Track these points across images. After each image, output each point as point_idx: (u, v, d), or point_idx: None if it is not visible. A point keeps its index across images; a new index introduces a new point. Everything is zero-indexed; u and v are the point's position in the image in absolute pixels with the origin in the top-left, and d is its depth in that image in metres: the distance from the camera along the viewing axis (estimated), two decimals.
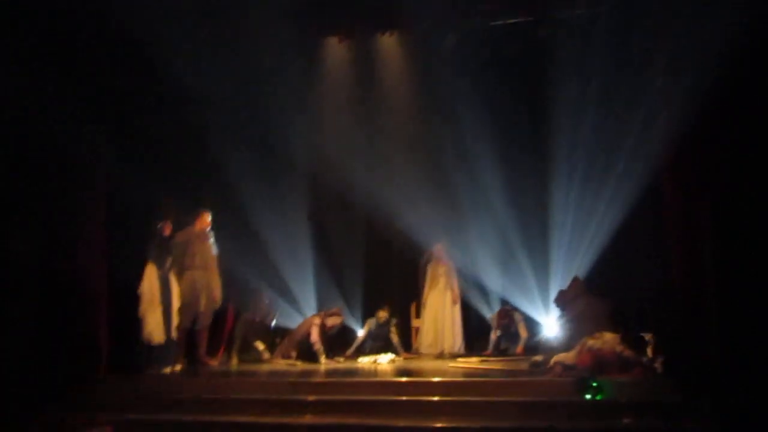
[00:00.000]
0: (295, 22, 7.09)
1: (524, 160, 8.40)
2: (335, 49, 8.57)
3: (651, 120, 5.98)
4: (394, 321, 8.11)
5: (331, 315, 7.76)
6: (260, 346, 7.76)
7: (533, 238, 8.33)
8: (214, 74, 7.61)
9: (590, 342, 5.64)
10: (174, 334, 6.90)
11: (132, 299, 6.63)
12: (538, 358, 6.31)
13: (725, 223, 4.88)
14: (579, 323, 6.41)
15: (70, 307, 6.37)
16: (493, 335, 7.98)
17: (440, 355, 7.94)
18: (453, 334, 8.17)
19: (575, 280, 7.13)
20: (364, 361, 7.44)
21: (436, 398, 5.22)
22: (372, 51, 8.62)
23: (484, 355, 7.64)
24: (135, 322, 6.62)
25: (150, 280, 6.70)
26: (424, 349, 8.19)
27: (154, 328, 6.59)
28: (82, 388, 6.05)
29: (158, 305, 6.66)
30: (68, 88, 6.31)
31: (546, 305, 8.14)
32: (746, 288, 4.66)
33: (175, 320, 6.91)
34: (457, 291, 8.29)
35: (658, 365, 5.39)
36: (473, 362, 6.98)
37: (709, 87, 4.96)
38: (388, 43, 8.44)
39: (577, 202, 7.88)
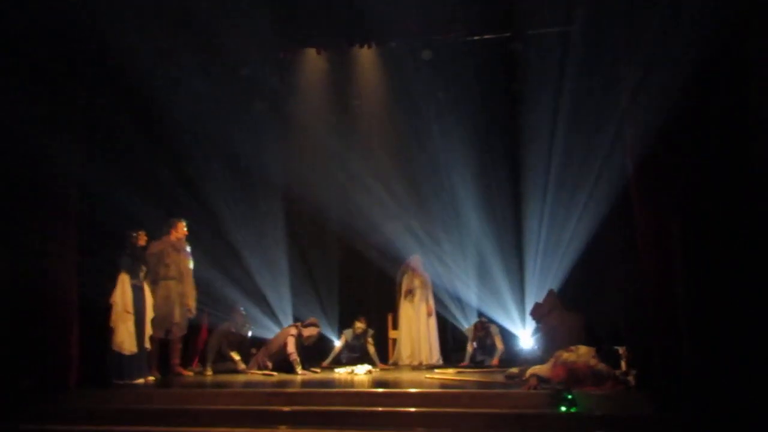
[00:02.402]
0: (272, 34, 7.10)
1: (498, 174, 8.52)
2: (313, 61, 8.59)
3: (620, 135, 6.08)
4: (370, 332, 8.09)
5: (308, 326, 7.71)
6: (235, 356, 7.69)
7: (508, 252, 8.41)
8: (188, 87, 7.62)
9: (565, 355, 5.69)
10: (147, 344, 6.82)
11: (104, 310, 6.53)
12: (514, 370, 6.36)
13: (695, 237, 4.96)
14: (554, 336, 6.49)
15: (40, 317, 6.30)
16: (470, 347, 7.99)
17: (417, 367, 7.95)
18: (429, 346, 8.19)
19: (550, 293, 7.21)
20: (341, 372, 7.42)
21: (412, 409, 5.22)
22: (349, 63, 8.66)
23: (461, 367, 7.66)
24: (107, 333, 6.52)
25: (122, 289, 6.61)
26: (402, 361, 8.19)
27: (125, 338, 6.49)
28: (52, 400, 5.96)
29: (130, 315, 6.56)
30: (41, 103, 6.28)
31: (522, 318, 8.21)
32: (718, 301, 4.74)
33: (148, 330, 6.83)
34: (432, 303, 8.33)
35: (631, 378, 5.45)
36: (449, 374, 7.00)
37: (676, 103, 5.09)
38: (366, 55, 8.49)
39: (551, 216, 7.96)
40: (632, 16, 5.80)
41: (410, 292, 8.35)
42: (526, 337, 8.12)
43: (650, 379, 5.28)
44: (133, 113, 7.41)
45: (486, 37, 7.36)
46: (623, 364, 5.72)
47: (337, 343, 8.26)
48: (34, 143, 6.24)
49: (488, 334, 7.95)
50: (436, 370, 7.35)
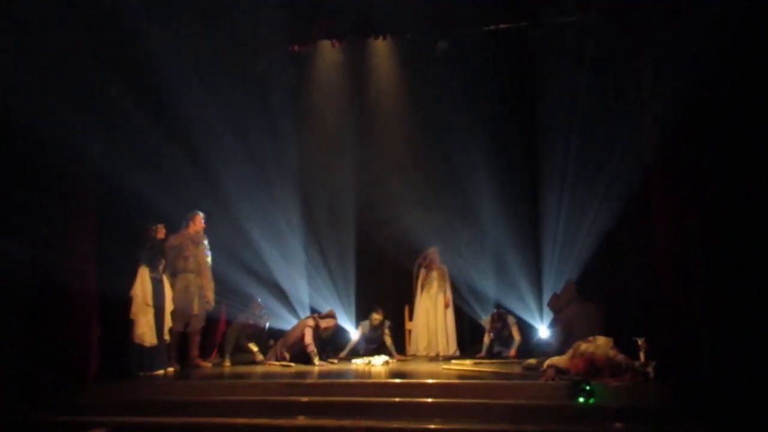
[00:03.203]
0: (286, 27, 7.10)
1: (516, 165, 8.48)
2: (328, 54, 8.58)
3: (639, 125, 6.03)
4: (387, 323, 8.11)
5: (325, 317, 7.75)
6: (253, 348, 7.75)
7: (526, 243, 8.37)
8: (205, 81, 7.65)
9: (583, 346, 5.67)
10: (167, 336, 6.90)
11: (123, 303, 6.60)
12: (532, 361, 6.34)
13: (714, 228, 4.92)
14: (572, 327, 6.47)
15: (61, 310, 6.37)
16: (487, 338, 7.97)
17: (434, 358, 7.95)
18: (446, 337, 8.17)
19: (568, 284, 7.19)
20: (358, 363, 7.43)
21: (429, 400, 5.24)
22: (364, 55, 8.64)
23: (478, 358, 7.65)
24: (127, 326, 6.60)
25: (142, 282, 6.68)
26: (419, 352, 8.20)
27: (146, 330, 6.57)
28: (73, 392, 6.05)
29: (150, 307, 6.64)
30: (60, 93, 6.33)
31: (539, 309, 8.19)
32: (736, 292, 4.70)
33: (168, 323, 6.91)
34: (449, 295, 8.31)
35: (650, 370, 5.41)
36: (467, 365, 6.99)
37: (696, 93, 5.03)
38: (381, 47, 8.46)
39: (569, 207, 7.92)
40: (651, 4, 5.73)
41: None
42: (543, 328, 8.11)
43: (669, 371, 5.24)
44: (151, 107, 7.44)
45: (502, 27, 7.29)
46: (642, 355, 5.69)
47: (354, 335, 8.30)
48: (54, 135, 6.30)
49: (505, 325, 7.92)
50: (453, 361, 7.35)
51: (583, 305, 6.73)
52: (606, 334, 5.95)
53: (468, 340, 8.56)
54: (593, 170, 7.33)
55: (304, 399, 5.41)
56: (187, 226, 7.36)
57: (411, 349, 8.37)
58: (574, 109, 7.53)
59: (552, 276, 8.07)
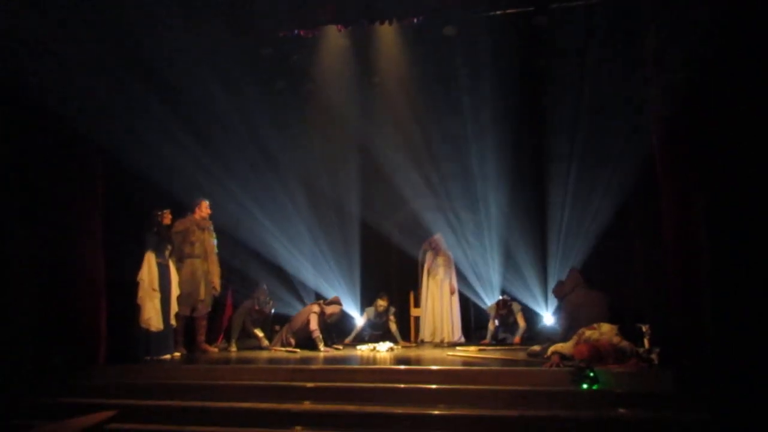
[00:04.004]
0: (292, 11, 7.06)
1: (522, 150, 8.47)
2: (334, 39, 8.52)
3: (645, 109, 5.99)
4: (392, 310, 8.16)
5: (330, 303, 7.79)
6: (259, 333, 7.81)
7: (531, 230, 8.40)
8: (211, 65, 7.63)
9: (587, 333, 5.69)
10: (173, 321, 6.95)
11: (131, 287, 6.64)
12: (536, 348, 6.36)
13: (721, 212, 4.88)
14: (576, 314, 6.47)
15: (70, 295, 6.41)
16: (491, 325, 8.02)
17: (439, 344, 7.98)
18: (452, 324, 8.20)
19: (573, 271, 7.17)
20: (363, 349, 7.47)
21: (434, 386, 5.26)
22: (370, 41, 8.58)
23: (482, 345, 7.68)
24: (134, 310, 6.63)
25: (149, 267, 6.71)
26: (425, 338, 8.24)
27: (152, 315, 6.60)
28: (82, 375, 6.12)
29: (157, 292, 6.67)
30: (66, 72, 6.32)
31: (544, 296, 8.23)
32: (742, 279, 4.67)
33: (174, 308, 6.95)
34: (454, 281, 8.33)
35: (654, 356, 5.42)
36: (471, 351, 7.01)
37: (702, 73, 4.96)
38: (387, 32, 8.38)
39: (574, 193, 7.92)
40: None
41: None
42: (548, 315, 8.14)
43: (673, 357, 5.24)
44: (159, 90, 7.43)
45: (509, 11, 7.24)
46: (646, 341, 5.70)
47: (360, 321, 8.34)
48: (61, 120, 6.31)
49: (510, 312, 7.96)
50: (458, 348, 7.39)
51: (588, 292, 6.72)
52: (610, 320, 5.97)
53: (473, 326, 8.61)
54: (600, 155, 7.30)
55: (310, 384, 5.43)
56: (194, 211, 7.39)
57: (422, 337, 8.40)
58: (581, 91, 7.49)
59: (557, 263, 8.10)
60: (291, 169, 8.95)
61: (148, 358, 6.61)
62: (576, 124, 7.69)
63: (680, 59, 5.20)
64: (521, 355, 6.46)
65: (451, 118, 8.57)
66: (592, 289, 6.80)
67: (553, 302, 7.88)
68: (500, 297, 8.14)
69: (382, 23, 7.75)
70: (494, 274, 8.56)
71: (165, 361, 6.68)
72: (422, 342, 8.23)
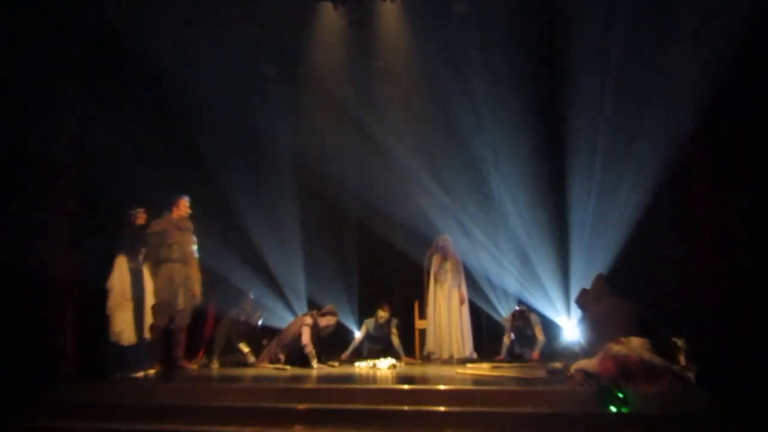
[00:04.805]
0: None
1: (539, 142, 8.44)
2: (329, 18, 8.51)
3: (677, 96, 5.95)
4: (395, 321, 8.14)
5: (325, 314, 7.76)
6: (245, 348, 7.78)
7: (551, 230, 8.39)
8: (193, 48, 7.62)
9: (615, 348, 5.64)
10: (147, 334, 6.91)
11: (101, 295, 6.63)
12: (557, 365, 6.33)
13: (762, 209, 4.83)
14: (602, 326, 6.39)
15: (29, 303, 6.39)
16: (507, 339, 7.99)
17: (447, 361, 7.93)
18: (461, 337, 8.13)
19: (599, 278, 7.10)
20: (362, 366, 7.44)
21: (441, 408, 5.21)
22: (370, 20, 8.58)
23: (496, 361, 7.66)
24: (104, 321, 6.61)
25: (120, 273, 6.69)
26: (431, 354, 8.18)
27: (124, 326, 6.59)
28: (44, 393, 6.06)
29: (129, 301, 6.67)
30: (33, 60, 6.30)
31: (566, 306, 8.20)
32: None
33: (148, 318, 6.92)
34: (464, 289, 8.27)
35: (690, 374, 5.38)
36: (484, 369, 6.98)
37: (742, 55, 4.92)
38: (389, 10, 8.37)
39: (599, 190, 7.92)
40: None
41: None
42: (570, 327, 8.10)
43: (712, 375, 5.20)
44: (136, 78, 7.41)
45: None
46: (681, 357, 5.67)
47: (358, 334, 8.31)
48: (26, 107, 6.29)
49: (528, 324, 7.93)
50: (469, 365, 7.35)
51: (615, 301, 6.64)
52: (641, 333, 5.90)
53: (486, 340, 8.56)
54: (626, 148, 7.29)
55: (301, 406, 5.38)
56: (171, 210, 7.32)
57: (428, 352, 8.31)
58: (604, 75, 7.48)
59: (580, 268, 8.06)
60: (281, 162, 8.95)
61: (120, 375, 6.55)
62: (600, 114, 7.69)
63: (723, 37, 5.15)
64: (540, 373, 6.41)
65: (461, 105, 8.55)
66: (620, 297, 6.73)
67: (576, 313, 7.79)
68: (516, 307, 8.11)
69: (383, 0, 7.75)
70: (510, 281, 8.54)
71: (138, 379, 6.62)
72: (428, 358, 8.18)
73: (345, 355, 8.11)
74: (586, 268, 7.87)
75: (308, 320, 7.58)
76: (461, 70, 8.44)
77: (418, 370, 7.35)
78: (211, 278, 7.68)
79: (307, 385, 6.00)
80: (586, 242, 8.06)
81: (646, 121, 6.79)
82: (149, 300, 6.95)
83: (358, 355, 8.06)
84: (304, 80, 8.91)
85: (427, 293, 8.37)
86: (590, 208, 8.01)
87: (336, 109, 8.86)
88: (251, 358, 7.73)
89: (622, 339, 5.73)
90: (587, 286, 7.18)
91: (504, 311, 8.41)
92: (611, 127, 7.57)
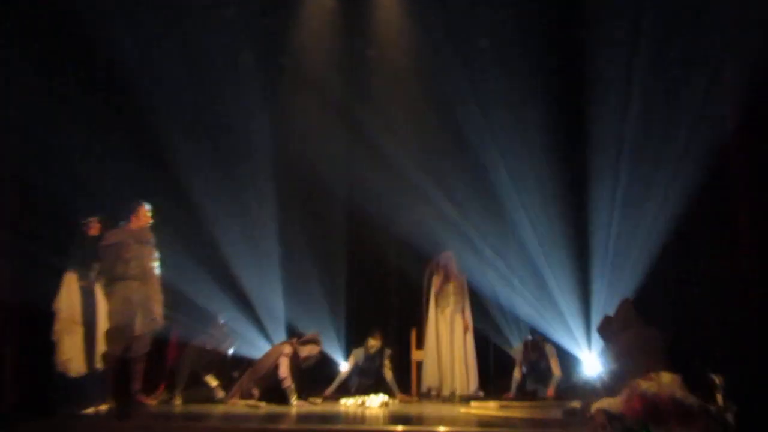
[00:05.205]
0: None
1: (556, 146, 8.47)
2: (316, 5, 8.57)
3: (715, 92, 5.98)
4: (388, 352, 8.13)
5: (306, 343, 7.74)
6: (213, 381, 7.73)
7: (570, 248, 8.41)
8: (158, 32, 7.64)
9: (643, 385, 5.62)
10: (100, 363, 6.86)
11: (46, 318, 6.59)
12: (575, 404, 6.30)
13: None
14: (629, 359, 6.40)
15: None
16: (517, 373, 7.99)
17: (448, 399, 7.93)
18: (465, 371, 8.15)
19: (625, 303, 7.10)
20: (349, 404, 7.42)
21: None
22: (364, 2, 8.61)
23: (505, 399, 7.65)
24: (49, 348, 6.56)
25: (69, 292, 6.67)
26: (426, 390, 8.18)
27: (72, 355, 6.56)
28: None
29: (79, 325, 6.64)
30: None
31: (586, 335, 8.21)
32: None
33: (101, 346, 6.87)
34: (469, 315, 8.28)
35: (730, 416, 5.36)
36: (491, 408, 6.96)
37: None
38: None
39: (624, 202, 7.96)
40: None
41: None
42: (591, 360, 8.10)
43: (756, 417, 5.18)
44: (88, 63, 7.41)
45: None
46: (720, 396, 5.65)
47: (344, 366, 8.29)
48: None
49: (542, 356, 7.92)
50: (474, 403, 7.32)
51: (644, 331, 6.64)
52: (672, 368, 5.89)
53: (493, 375, 8.57)
54: (656, 152, 7.34)
55: None
56: (129, 220, 7.28)
57: (427, 388, 8.29)
58: (631, 72, 7.54)
59: (603, 292, 8.08)
60: (259, 165, 8.94)
61: (67, 411, 6.49)
62: (625, 113, 7.76)
63: (761, 36, 5.20)
64: (556, 414, 6.39)
65: (467, 102, 8.57)
66: (649, 326, 6.73)
67: (598, 343, 7.79)
68: (529, 336, 8.12)
69: None
70: (522, 306, 8.54)
71: (88, 416, 6.55)
72: (426, 395, 8.18)
73: (329, 390, 8.07)
74: (610, 292, 7.90)
75: (287, 350, 7.54)
76: (468, 62, 8.48)
77: (414, 408, 7.35)
78: (174, 299, 7.62)
79: (285, 426, 5.98)
80: (610, 261, 8.08)
81: (678, 126, 6.83)
82: (102, 324, 6.91)
83: (345, 390, 8.02)
84: (287, 71, 8.93)
85: (425, 319, 8.38)
86: (614, 222, 8.03)
87: (323, 105, 8.87)
88: (220, 393, 7.68)
89: (652, 374, 5.71)
90: (611, 312, 7.20)
91: (515, 341, 8.41)
92: (640, 128, 7.64)
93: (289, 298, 8.77)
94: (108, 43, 7.40)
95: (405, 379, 8.44)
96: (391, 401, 7.57)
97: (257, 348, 8.27)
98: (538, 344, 7.95)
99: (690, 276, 7.06)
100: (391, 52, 8.74)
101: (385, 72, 8.83)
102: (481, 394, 8.05)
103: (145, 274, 7.22)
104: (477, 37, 8.36)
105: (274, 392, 7.38)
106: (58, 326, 6.59)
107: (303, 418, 6.54)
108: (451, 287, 8.30)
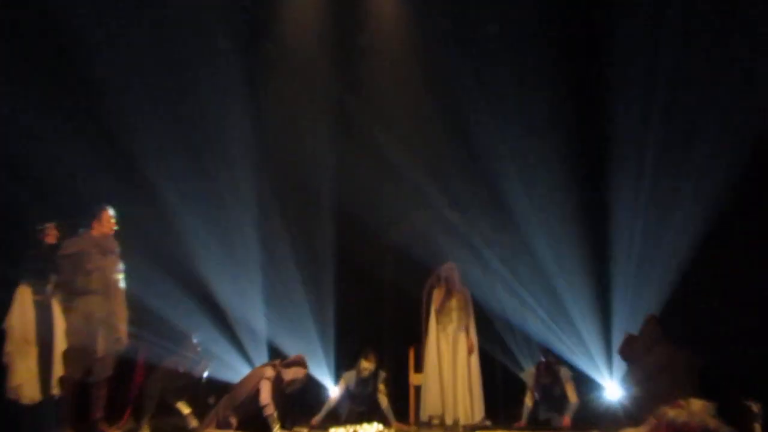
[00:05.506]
0: None
1: (573, 145, 8.48)
2: None
3: (752, 84, 5.99)
4: (382, 375, 8.09)
5: (291, 365, 7.71)
6: (185, 409, 7.69)
7: (588, 258, 8.41)
8: (126, 19, 7.66)
9: (671, 413, 5.62)
10: (56, 389, 6.78)
11: None
12: None
13: None
14: (655, 384, 6.41)
15: None
16: (529, 400, 7.96)
17: (451, 428, 7.87)
18: (469, 397, 8.07)
19: (650, 320, 7.13)
20: None
21: None
22: None
23: (516, 429, 7.66)
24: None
25: (22, 308, 6.62)
26: (427, 418, 8.11)
27: (25, 379, 6.50)
28: None
29: (32, 346, 6.57)
30: None
31: (606, 357, 8.21)
32: None
33: (58, 369, 6.79)
34: (474, 334, 8.21)
35: None
36: None
37: None
38: None
39: (649, 207, 7.99)
40: None
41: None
42: (613, 384, 8.10)
43: None
44: (46, 51, 7.39)
45: None
46: (757, 426, 5.64)
47: (334, 392, 8.24)
48: None
49: (557, 380, 7.87)
50: None
51: (671, 351, 6.67)
52: (704, 394, 5.87)
53: (501, 401, 8.52)
54: (685, 149, 7.39)
55: None
56: (91, 226, 7.24)
57: (417, 413, 8.25)
58: (655, 69, 7.60)
59: (625, 308, 8.08)
60: (237, 165, 8.93)
61: None
62: (651, 107, 7.81)
63: None
64: None
65: (468, 94, 8.59)
66: (678, 346, 6.72)
67: (620, 366, 7.81)
68: (542, 358, 8.07)
69: None
70: (534, 324, 8.56)
71: None
72: (426, 424, 8.10)
73: (317, 419, 8.00)
74: (633, 307, 7.92)
75: (269, 373, 7.49)
76: (473, 51, 8.53)
77: None
78: (141, 316, 7.58)
79: None
80: (633, 272, 8.09)
81: (711, 120, 6.92)
82: (60, 344, 6.83)
83: (335, 419, 7.99)
84: (269, 60, 8.93)
85: (425, 338, 8.31)
86: (638, 229, 8.06)
87: (309, 98, 8.87)
88: (193, 422, 7.63)
89: (681, 401, 5.73)
90: (634, 330, 7.19)
91: (526, 363, 8.41)
92: (667, 126, 7.71)
93: (272, 314, 8.77)
94: (69, 29, 7.37)
95: (402, 406, 8.43)
96: (386, 430, 7.54)
97: (235, 371, 8.25)
98: (552, 367, 7.90)
99: (722, 290, 7.04)
100: (387, 38, 8.74)
101: (379, 61, 8.82)
102: (488, 423, 7.99)
103: (109, 288, 7.17)
104: (482, 20, 8.35)
105: (255, 421, 7.32)
106: (9, 347, 6.53)
107: None
108: (453, 302, 8.23)
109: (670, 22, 7.31)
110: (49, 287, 6.86)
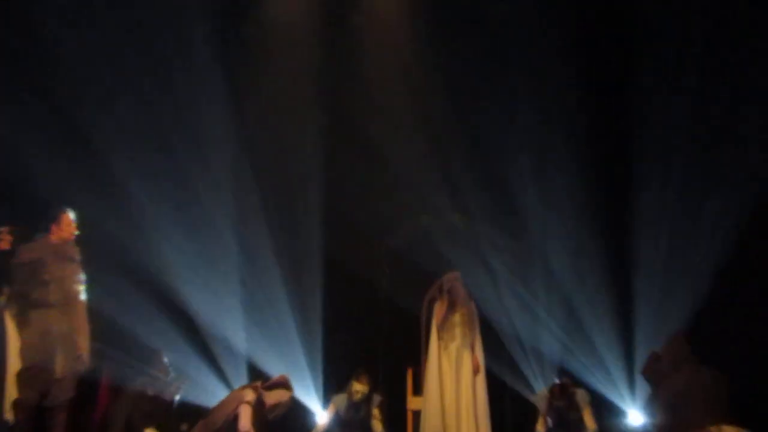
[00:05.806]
0: None
1: (592, 145, 8.52)
2: None
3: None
4: (377, 399, 8.10)
5: (273, 387, 7.64)
6: None
7: (607, 270, 8.43)
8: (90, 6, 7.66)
9: None
10: (10, 413, 6.77)
11: None
12: None
13: None
14: (682, 407, 6.38)
15: None
16: (541, 426, 7.96)
17: None
18: (475, 423, 8.04)
19: (677, 338, 7.09)
20: None
21: None
22: None
23: None
24: None
25: None
26: None
27: None
28: None
29: None
30: None
31: (628, 379, 8.21)
32: None
33: (11, 391, 6.79)
34: (480, 352, 8.17)
35: None
36: None
37: None
38: None
39: (675, 213, 8.04)
40: None
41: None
42: (635, 408, 8.11)
43: None
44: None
45: None
46: None
47: (323, 417, 8.26)
48: None
49: (572, 404, 7.82)
50: None
51: (699, 373, 6.63)
52: (737, 420, 5.87)
53: (511, 428, 8.54)
54: (714, 153, 7.48)
55: None
56: (49, 230, 7.20)
57: None
58: (682, 64, 7.75)
59: (648, 324, 8.10)
60: (215, 165, 8.93)
61: None
62: (678, 108, 7.92)
63: None
64: None
65: (476, 85, 8.61)
66: (707, 366, 6.69)
67: (643, 388, 7.78)
68: (556, 380, 8.08)
69: None
70: (548, 342, 8.59)
71: None
72: None
73: None
74: (658, 324, 7.94)
75: (249, 396, 7.44)
76: (477, 35, 8.57)
77: None
78: (106, 332, 7.57)
79: None
80: (658, 285, 8.12)
81: (739, 125, 7.07)
82: (13, 363, 6.84)
83: None
84: (250, 49, 8.97)
85: (425, 358, 8.27)
86: (663, 237, 8.11)
87: (294, 86, 8.89)
88: None
89: (711, 428, 5.73)
90: (659, 348, 7.16)
91: (538, 385, 8.42)
92: (694, 129, 7.83)
93: (253, 329, 8.75)
94: (30, 18, 7.41)
95: None
96: None
97: (212, 394, 8.26)
98: (568, 389, 7.85)
99: (755, 304, 7.05)
100: (381, 18, 8.74)
101: (374, 44, 8.84)
102: None
103: (69, 300, 7.11)
104: (490, 9, 8.40)
105: None
106: None
107: None
108: (457, 317, 8.20)
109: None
110: (2, 299, 6.86)
